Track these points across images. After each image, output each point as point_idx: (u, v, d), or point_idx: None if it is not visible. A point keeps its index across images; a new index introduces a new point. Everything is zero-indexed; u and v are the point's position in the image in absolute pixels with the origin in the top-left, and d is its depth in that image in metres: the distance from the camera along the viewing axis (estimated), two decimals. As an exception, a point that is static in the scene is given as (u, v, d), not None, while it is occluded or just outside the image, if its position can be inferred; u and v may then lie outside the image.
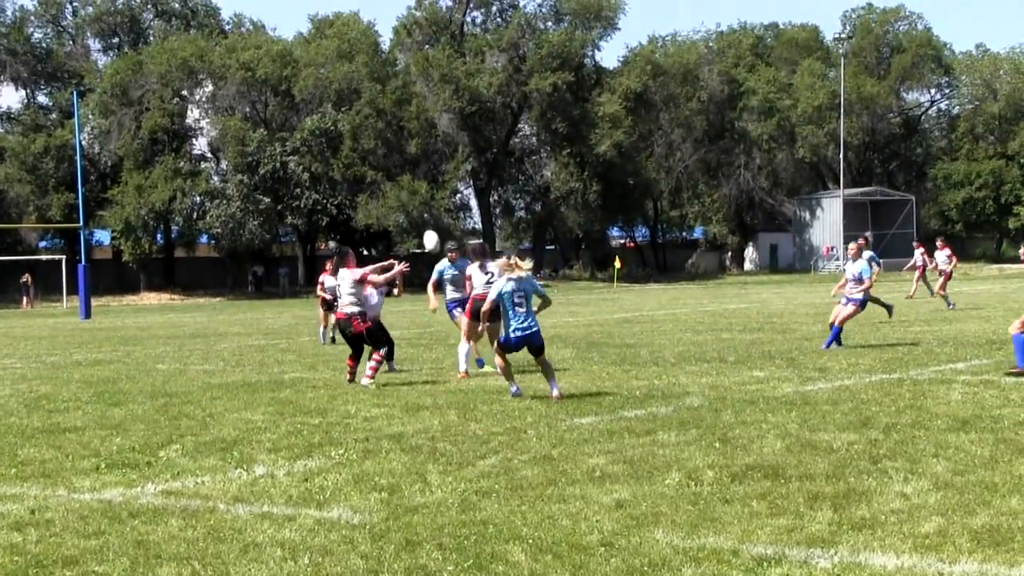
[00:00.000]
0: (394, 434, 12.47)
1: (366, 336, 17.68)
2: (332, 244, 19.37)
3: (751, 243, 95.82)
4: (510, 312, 15.22)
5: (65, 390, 18.20)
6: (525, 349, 15.30)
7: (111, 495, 9.72)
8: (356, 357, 17.96)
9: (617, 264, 74.16)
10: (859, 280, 21.06)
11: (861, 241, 22.23)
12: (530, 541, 7.76)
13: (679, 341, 24.35)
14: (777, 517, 8.25)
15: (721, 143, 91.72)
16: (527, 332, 15.11)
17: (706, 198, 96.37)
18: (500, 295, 15.26)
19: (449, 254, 19.48)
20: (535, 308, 15.48)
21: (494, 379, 17.71)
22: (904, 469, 9.75)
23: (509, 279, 15.31)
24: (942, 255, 37.20)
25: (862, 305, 21.08)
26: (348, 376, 17.85)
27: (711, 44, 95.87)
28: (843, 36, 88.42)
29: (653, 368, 18.71)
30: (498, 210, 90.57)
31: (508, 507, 8.79)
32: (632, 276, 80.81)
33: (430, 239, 19.87)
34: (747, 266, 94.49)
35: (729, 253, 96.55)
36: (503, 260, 15.69)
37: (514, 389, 15.44)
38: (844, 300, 21.07)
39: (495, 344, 16.06)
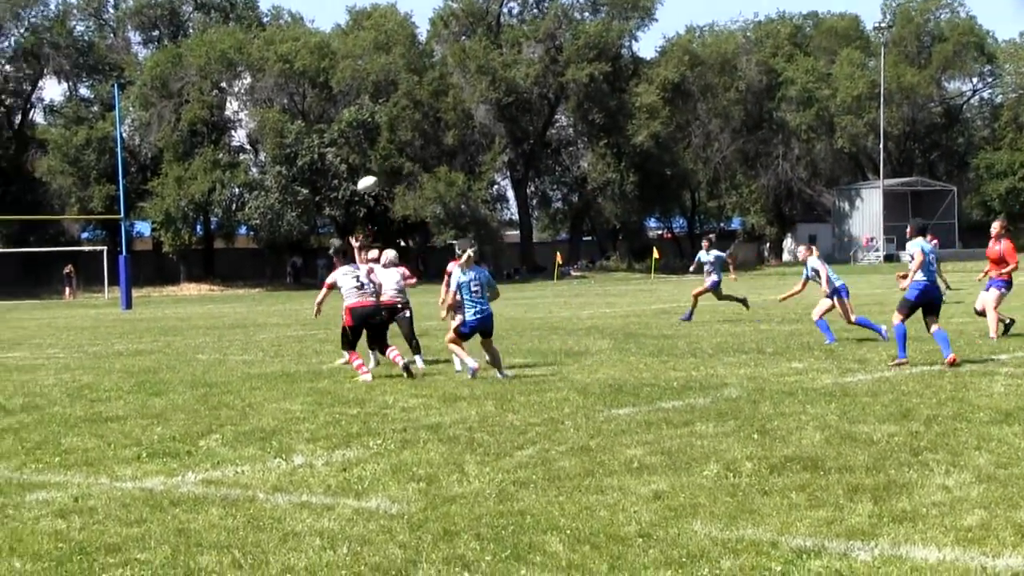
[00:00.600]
0: (432, 424, 12.49)
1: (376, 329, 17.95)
2: (335, 242, 19.36)
3: (789, 234, 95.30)
4: (468, 300, 16.77)
5: (107, 380, 18.32)
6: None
7: (152, 484, 9.78)
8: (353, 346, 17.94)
9: (655, 255, 73.97)
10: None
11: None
12: (568, 532, 7.75)
13: (717, 332, 24.27)
14: (816, 509, 8.22)
15: (759, 133, 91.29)
16: (482, 315, 16.77)
17: (744, 188, 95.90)
18: (459, 285, 16.82)
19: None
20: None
21: (531, 370, 17.72)
22: (946, 461, 9.68)
23: (465, 271, 16.87)
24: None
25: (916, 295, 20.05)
26: (361, 370, 17.39)
27: (749, 34, 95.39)
28: (883, 25, 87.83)
29: (691, 359, 18.66)
30: (535, 201, 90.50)
31: (546, 497, 8.79)
32: (669, 267, 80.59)
33: (366, 181, 20.68)
34: (785, 257, 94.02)
35: (767, 244, 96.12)
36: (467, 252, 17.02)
37: (473, 366, 16.50)
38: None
39: (452, 332, 17.15)
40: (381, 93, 78.04)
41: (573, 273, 79.10)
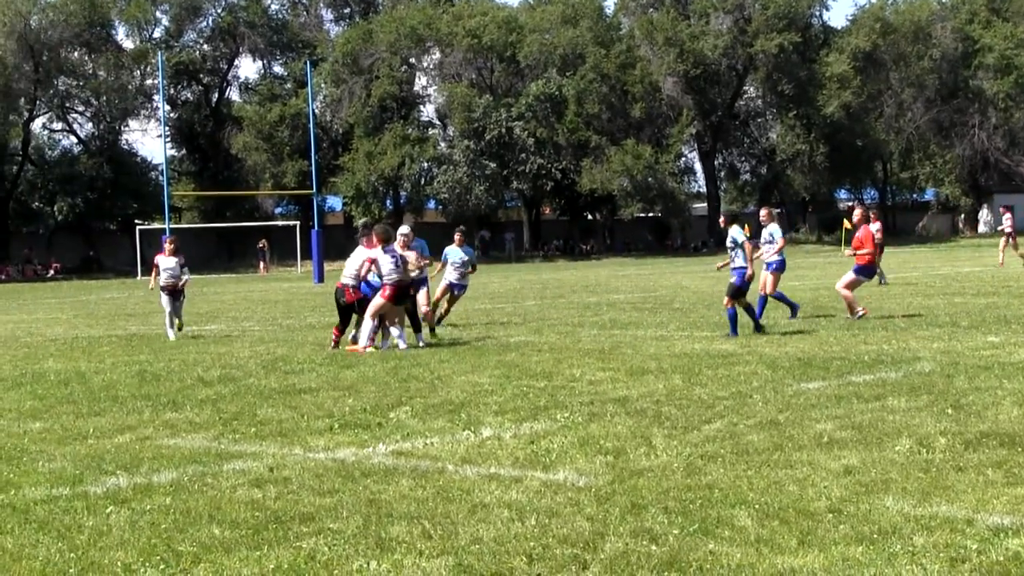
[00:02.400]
0: (619, 398, 12.48)
1: (357, 306, 19.13)
2: (362, 220, 19.42)
3: (986, 205, 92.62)
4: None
5: (300, 352, 18.72)
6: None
7: (344, 454, 9.96)
8: (343, 327, 19.38)
9: (845, 227, 72.60)
10: None
11: None
12: (756, 506, 7.68)
13: (909, 305, 23.76)
14: (1014, 486, 7.99)
15: (954, 102, 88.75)
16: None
17: (938, 159, 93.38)
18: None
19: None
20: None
21: (719, 343, 17.59)
22: None
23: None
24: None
25: None
26: (332, 344, 19.09)
27: (944, 0, 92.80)
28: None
29: (882, 332, 18.30)
30: (723, 173, 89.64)
31: (734, 472, 8.72)
32: (860, 239, 79.00)
33: None
34: (981, 228, 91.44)
35: (962, 215, 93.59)
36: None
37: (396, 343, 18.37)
38: None
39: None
40: (568, 66, 78.08)
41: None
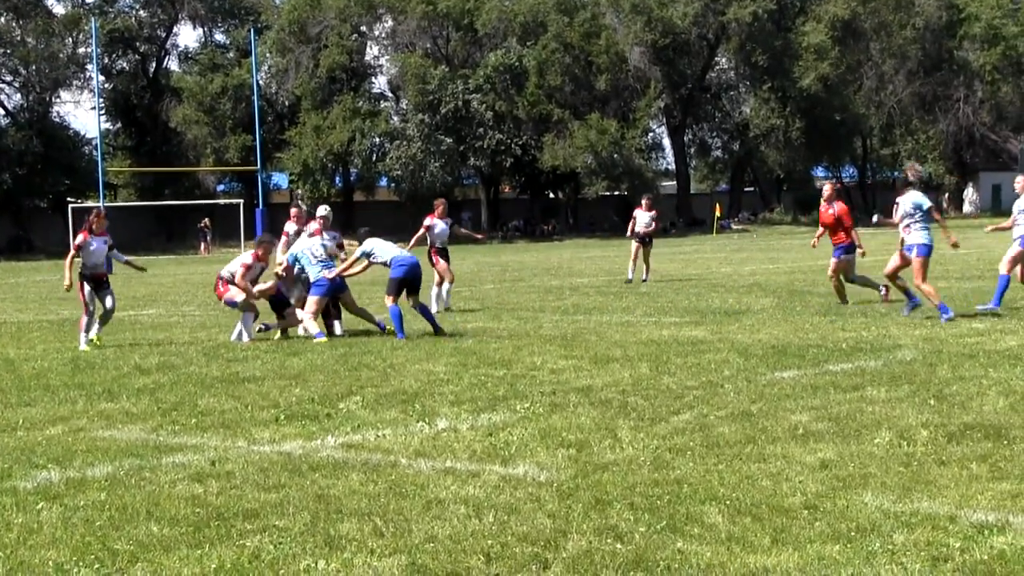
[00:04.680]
0: (582, 387, 12.51)
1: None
2: (320, 206, 19.48)
3: (971, 183, 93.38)
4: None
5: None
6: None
7: (291, 447, 9.96)
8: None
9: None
10: None
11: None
12: (727, 502, 7.72)
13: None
14: (999, 481, 8.06)
15: (938, 75, 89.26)
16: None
17: (920, 135, 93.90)
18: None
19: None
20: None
21: (689, 330, 17.65)
22: None
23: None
24: None
25: None
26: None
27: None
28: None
29: (861, 319, 18.41)
30: (693, 150, 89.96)
31: (704, 466, 8.76)
32: (838, 220, 79.44)
33: None
34: (967, 208, 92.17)
35: (946, 194, 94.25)
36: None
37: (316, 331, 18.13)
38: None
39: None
40: (529, 36, 78.05)
41: (733, 226, 78.54)
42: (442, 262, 23.15)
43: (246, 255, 19.26)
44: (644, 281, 28.37)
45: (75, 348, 17.95)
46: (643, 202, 30.31)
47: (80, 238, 18.37)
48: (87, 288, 18.23)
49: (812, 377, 12.62)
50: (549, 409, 11.29)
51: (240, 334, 18.56)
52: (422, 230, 23.95)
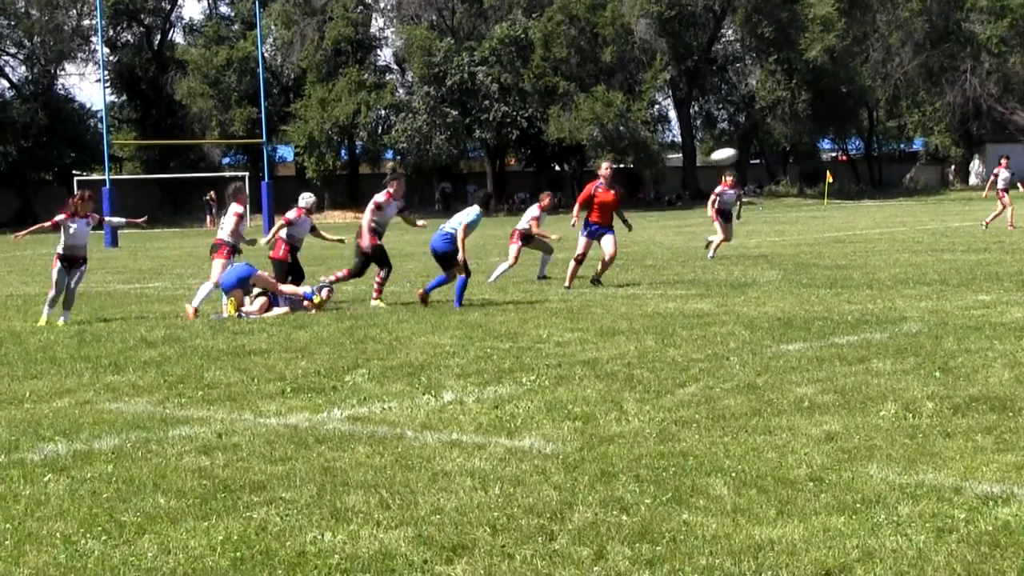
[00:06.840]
0: (588, 360, 12.52)
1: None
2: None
3: (977, 155, 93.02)
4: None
5: (249, 311, 18.66)
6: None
7: (297, 420, 9.97)
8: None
9: (828, 179, 72.87)
10: None
11: None
12: (733, 474, 7.73)
13: (895, 262, 23.90)
14: (1004, 453, 8.07)
15: (945, 47, 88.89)
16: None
17: (927, 107, 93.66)
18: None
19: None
20: None
21: (695, 302, 17.64)
22: None
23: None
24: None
25: None
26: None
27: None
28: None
29: (867, 291, 18.41)
30: (699, 122, 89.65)
31: (709, 438, 8.77)
32: (844, 192, 79.33)
33: (723, 152, 21.57)
34: (973, 180, 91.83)
35: (952, 167, 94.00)
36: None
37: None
38: None
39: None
40: (535, 8, 77.76)
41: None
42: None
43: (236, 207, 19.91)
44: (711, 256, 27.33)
45: (82, 320, 17.97)
46: (727, 178, 28.89)
47: (60, 217, 18.07)
48: (58, 266, 17.87)
49: (818, 350, 12.62)
50: (555, 382, 11.30)
51: (246, 313, 18.49)
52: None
